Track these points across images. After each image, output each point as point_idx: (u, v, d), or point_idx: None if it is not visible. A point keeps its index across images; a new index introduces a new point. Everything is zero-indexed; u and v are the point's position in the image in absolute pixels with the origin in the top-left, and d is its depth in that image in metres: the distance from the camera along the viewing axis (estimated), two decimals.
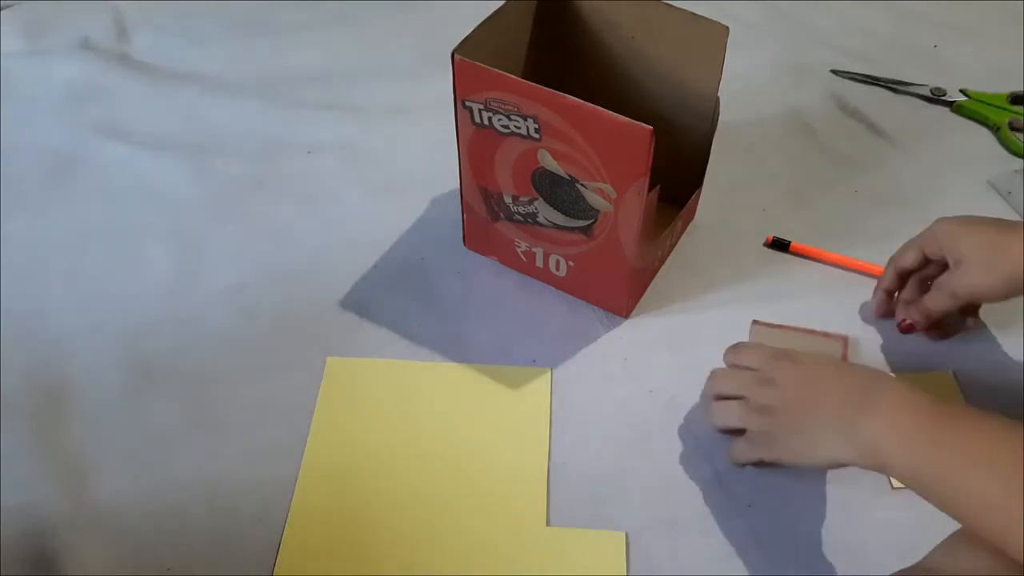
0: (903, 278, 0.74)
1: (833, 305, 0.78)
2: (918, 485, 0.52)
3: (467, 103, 0.68)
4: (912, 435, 0.53)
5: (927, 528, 0.55)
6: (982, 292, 0.68)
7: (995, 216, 0.85)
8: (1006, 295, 0.66)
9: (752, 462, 0.64)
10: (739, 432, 0.65)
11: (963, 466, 0.51)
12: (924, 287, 0.73)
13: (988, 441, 0.51)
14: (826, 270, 0.81)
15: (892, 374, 0.64)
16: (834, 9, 1.09)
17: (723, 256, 0.82)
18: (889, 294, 0.75)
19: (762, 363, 0.64)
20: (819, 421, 0.58)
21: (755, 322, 0.75)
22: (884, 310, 0.76)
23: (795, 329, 0.74)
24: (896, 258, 0.74)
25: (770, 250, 0.82)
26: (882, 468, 0.55)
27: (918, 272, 0.74)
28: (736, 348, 0.68)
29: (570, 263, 0.75)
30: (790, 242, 0.81)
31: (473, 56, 0.65)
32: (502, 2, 0.70)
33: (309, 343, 0.74)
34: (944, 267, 0.70)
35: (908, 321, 0.73)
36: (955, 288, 0.69)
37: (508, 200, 0.73)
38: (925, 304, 0.71)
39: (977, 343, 0.74)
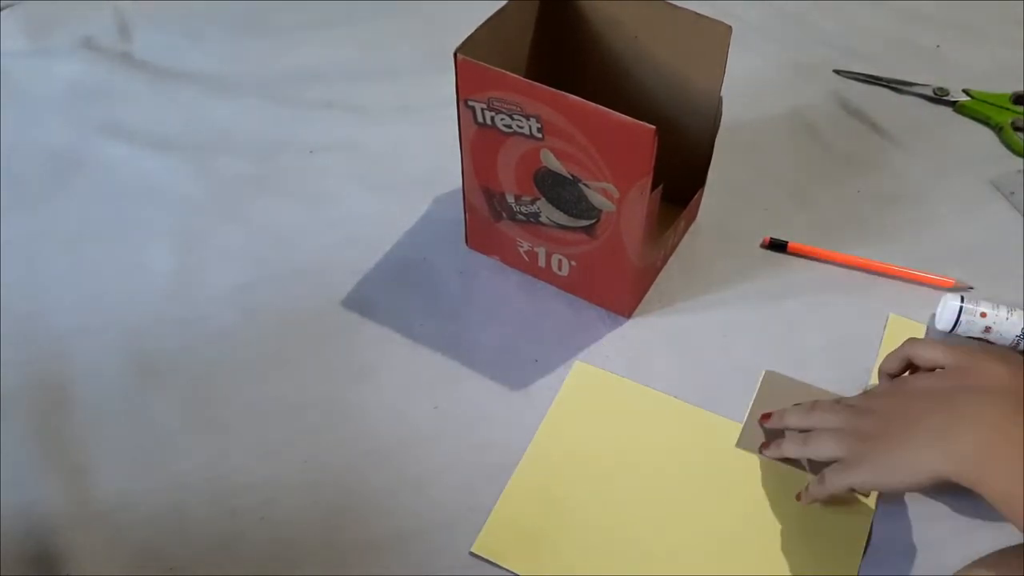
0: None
1: (836, 304, 0.78)
2: (1011, 508, 0.48)
3: (469, 102, 0.68)
4: (1014, 451, 0.49)
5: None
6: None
7: (997, 215, 0.85)
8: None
9: (844, 489, 0.60)
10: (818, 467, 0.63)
11: None
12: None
13: None
14: (829, 269, 0.81)
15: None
16: (837, 9, 1.09)
17: (725, 256, 0.82)
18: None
19: (862, 399, 0.63)
20: (917, 436, 0.55)
21: (768, 373, 0.73)
22: None
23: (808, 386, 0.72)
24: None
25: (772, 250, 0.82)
26: (978, 483, 0.50)
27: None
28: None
29: (572, 263, 0.75)
30: (787, 242, 0.81)
31: (475, 55, 0.64)
32: (504, 1, 0.70)
33: (311, 342, 0.74)
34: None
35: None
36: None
37: (510, 200, 0.73)
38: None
39: None
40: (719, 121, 0.75)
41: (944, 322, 0.75)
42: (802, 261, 0.81)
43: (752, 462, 0.68)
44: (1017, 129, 0.93)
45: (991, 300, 0.74)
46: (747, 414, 0.70)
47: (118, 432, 0.68)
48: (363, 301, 0.77)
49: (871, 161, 0.91)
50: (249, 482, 0.66)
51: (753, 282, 0.80)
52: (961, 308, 0.74)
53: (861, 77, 1.00)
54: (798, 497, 0.64)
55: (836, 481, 0.60)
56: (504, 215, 0.75)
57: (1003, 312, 0.74)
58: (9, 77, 0.97)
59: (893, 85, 0.99)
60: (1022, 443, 0.50)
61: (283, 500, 0.65)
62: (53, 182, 0.87)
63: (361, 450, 0.68)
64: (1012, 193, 0.87)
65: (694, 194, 0.80)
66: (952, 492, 0.54)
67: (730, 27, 0.69)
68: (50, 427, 0.69)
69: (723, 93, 0.73)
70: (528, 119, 0.65)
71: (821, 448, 0.62)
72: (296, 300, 0.77)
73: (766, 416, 0.67)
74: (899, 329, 0.76)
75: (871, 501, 0.65)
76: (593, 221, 0.70)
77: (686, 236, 0.83)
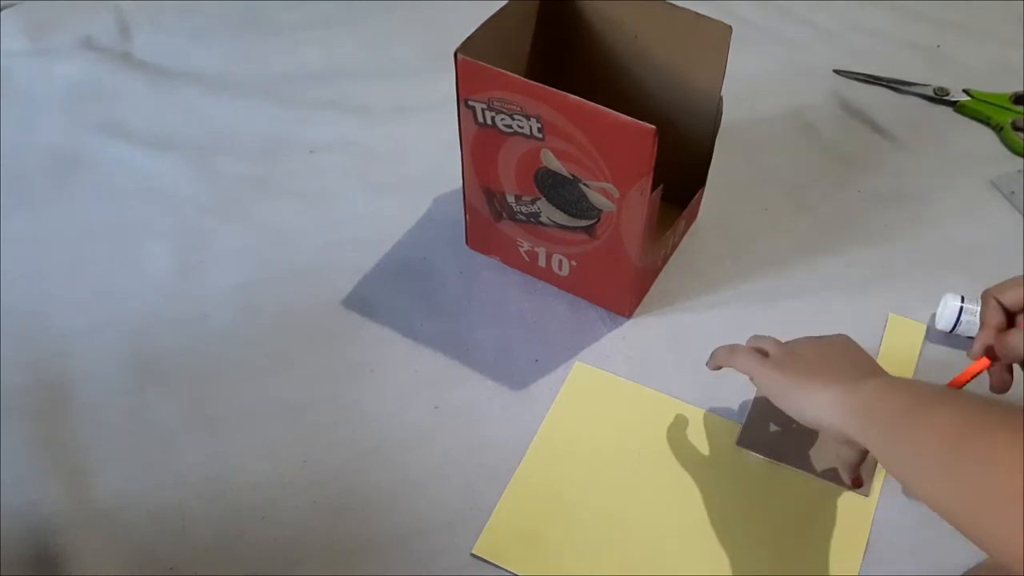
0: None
1: (836, 304, 0.78)
2: (885, 458, 0.52)
3: (470, 102, 0.68)
4: (895, 405, 0.52)
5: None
6: None
7: (997, 215, 0.85)
8: None
9: (744, 370, 0.63)
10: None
11: (911, 435, 0.49)
12: None
13: (947, 416, 0.48)
14: (829, 271, 0.81)
15: None
16: (837, 9, 1.09)
17: (725, 256, 0.82)
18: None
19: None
20: (819, 379, 0.57)
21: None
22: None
23: None
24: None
25: (774, 249, 0.82)
26: (859, 432, 0.53)
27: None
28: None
29: (573, 263, 0.75)
30: None
31: (476, 55, 0.64)
32: (505, 1, 0.70)
33: (311, 342, 0.74)
34: None
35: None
36: None
37: (511, 200, 0.73)
38: None
39: None
40: (719, 121, 0.75)
41: (944, 322, 0.75)
42: (801, 260, 0.81)
43: (752, 462, 0.68)
44: (1017, 129, 0.93)
45: None
46: (747, 414, 0.70)
47: (119, 431, 0.69)
48: (363, 301, 0.77)
49: (871, 161, 0.91)
50: (249, 482, 0.66)
51: (753, 282, 0.80)
52: (961, 308, 0.74)
53: (861, 77, 1.00)
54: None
55: (745, 363, 0.63)
56: (504, 215, 0.75)
57: None
58: (9, 77, 0.97)
59: (893, 85, 0.99)
60: (902, 398, 0.52)
61: (283, 500, 0.65)
62: (53, 182, 0.87)
63: (361, 450, 0.68)
64: (1012, 193, 0.87)
65: (694, 194, 0.80)
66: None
67: (730, 27, 0.69)
68: (51, 426, 0.69)
69: (723, 93, 0.73)
70: (528, 119, 0.65)
71: (761, 343, 0.65)
72: (296, 300, 0.77)
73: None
74: (899, 329, 0.76)
75: (871, 501, 0.65)
76: (593, 221, 0.70)
77: (687, 236, 0.83)
